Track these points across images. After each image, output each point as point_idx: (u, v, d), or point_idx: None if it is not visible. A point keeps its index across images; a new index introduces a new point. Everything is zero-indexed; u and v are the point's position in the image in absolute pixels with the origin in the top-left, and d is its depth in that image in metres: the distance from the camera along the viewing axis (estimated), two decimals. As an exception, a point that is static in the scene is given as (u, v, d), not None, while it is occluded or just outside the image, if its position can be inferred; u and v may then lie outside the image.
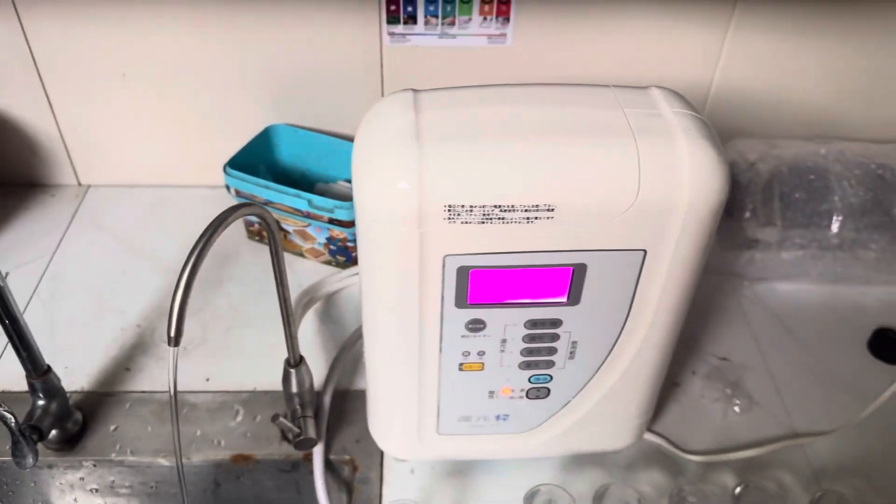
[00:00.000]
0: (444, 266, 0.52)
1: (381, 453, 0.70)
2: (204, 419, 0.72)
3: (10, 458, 0.66)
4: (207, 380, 0.76)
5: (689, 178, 0.49)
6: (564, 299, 0.55)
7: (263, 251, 0.92)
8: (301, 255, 0.91)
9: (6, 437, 0.68)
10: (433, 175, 0.48)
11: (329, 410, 0.73)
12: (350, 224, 0.83)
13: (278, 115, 0.94)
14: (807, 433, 0.73)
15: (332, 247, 0.89)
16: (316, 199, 0.83)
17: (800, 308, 0.86)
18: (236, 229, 0.95)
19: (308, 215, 0.84)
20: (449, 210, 0.49)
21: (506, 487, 0.67)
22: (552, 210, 0.49)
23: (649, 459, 0.71)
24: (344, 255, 0.89)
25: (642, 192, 0.49)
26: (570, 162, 0.49)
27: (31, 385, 0.65)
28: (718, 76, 0.91)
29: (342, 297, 0.88)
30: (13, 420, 0.60)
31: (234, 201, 0.94)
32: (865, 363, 0.81)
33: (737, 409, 0.75)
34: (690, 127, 0.51)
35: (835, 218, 0.84)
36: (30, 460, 0.63)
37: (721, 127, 0.96)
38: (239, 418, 0.72)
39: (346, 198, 0.88)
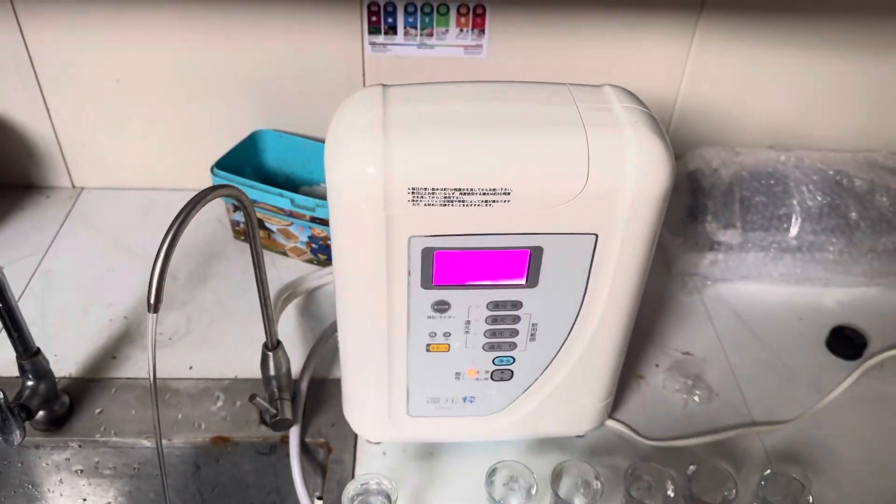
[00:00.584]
0: (409, 247, 0.56)
1: (355, 436, 0.73)
2: (186, 404, 0.75)
3: (-2, 438, 0.69)
4: (190, 368, 0.79)
5: (635, 167, 0.53)
6: (523, 281, 0.59)
7: (248, 251, 0.95)
8: (284, 253, 0.95)
9: (-5, 418, 0.71)
10: (398, 160, 0.52)
11: (305, 396, 0.76)
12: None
13: (264, 120, 0.99)
14: (763, 422, 0.77)
15: (313, 245, 0.92)
16: (298, 198, 0.87)
17: (761, 307, 0.90)
18: (223, 230, 0.98)
19: (291, 214, 0.88)
20: (413, 193, 0.53)
21: (473, 468, 0.70)
22: (508, 193, 0.53)
23: (610, 445, 0.74)
24: (325, 253, 0.93)
25: (591, 178, 0.53)
26: (525, 149, 0.53)
27: (20, 366, 0.69)
28: (684, 87, 0.96)
29: (322, 293, 0.91)
30: (2, 397, 0.63)
31: (221, 203, 0.98)
32: (823, 360, 0.85)
33: (697, 399, 0.78)
34: (638, 120, 0.55)
35: (794, 221, 0.88)
36: (17, 437, 0.65)
37: (687, 135, 1.01)
38: (219, 403, 0.75)
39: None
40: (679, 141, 1.01)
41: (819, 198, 0.89)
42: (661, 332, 0.87)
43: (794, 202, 0.89)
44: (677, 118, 0.99)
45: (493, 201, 0.53)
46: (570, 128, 0.54)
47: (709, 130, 1.00)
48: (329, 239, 0.91)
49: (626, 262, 0.58)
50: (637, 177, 0.53)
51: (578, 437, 0.74)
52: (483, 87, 0.58)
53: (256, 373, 0.78)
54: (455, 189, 0.53)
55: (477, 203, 0.53)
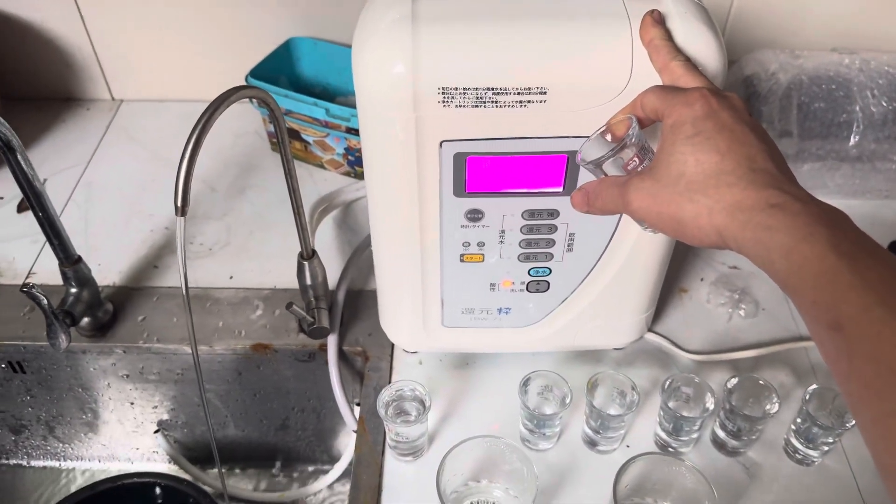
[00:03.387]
0: (440, 152, 0.54)
1: (392, 345, 0.73)
2: (226, 312, 0.76)
3: (47, 343, 0.72)
4: (231, 277, 0.80)
5: (682, 63, 0.50)
6: (560, 189, 0.56)
7: (286, 162, 0.94)
8: (321, 166, 0.94)
9: (43, 325, 0.74)
10: (427, 58, 0.49)
11: (343, 306, 0.76)
12: (367, 133, 0.85)
13: (301, 28, 0.96)
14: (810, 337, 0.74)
15: (350, 157, 0.91)
16: (333, 107, 0.85)
17: (815, 220, 0.86)
18: (261, 142, 0.97)
19: (326, 125, 0.86)
20: (443, 93, 0.50)
21: (508, 379, 0.70)
22: (545, 93, 0.50)
23: (649, 358, 0.73)
24: (362, 165, 0.91)
25: (635, 74, 0.49)
26: (563, 44, 0.50)
27: (63, 274, 0.70)
28: (742, -15, 0.90)
29: (358, 206, 0.90)
30: (46, 301, 0.64)
31: (255, 111, 0.97)
32: (879, 275, 0.81)
33: (742, 313, 0.76)
34: (687, 11, 0.51)
35: (855, 128, 0.83)
36: (62, 342, 0.68)
37: (743, 38, 0.95)
38: (259, 312, 0.76)
39: (365, 108, 0.90)
40: (735, 44, 0.95)
41: (884, 103, 0.83)
42: (707, 245, 0.84)
43: (857, 108, 0.83)
44: (734, 19, 0.93)
45: (529, 101, 0.50)
46: (613, 19, 0.50)
47: (767, 33, 0.94)
48: (366, 150, 0.89)
49: (670, 168, 0.55)
50: (684, 74, 0.50)
51: (616, 349, 0.73)
52: (519, -20, 0.55)
53: (295, 283, 0.78)
54: (488, 89, 0.50)
55: (511, 104, 0.50)
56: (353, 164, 0.91)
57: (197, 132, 0.49)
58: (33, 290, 0.63)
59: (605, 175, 0.48)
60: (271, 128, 0.93)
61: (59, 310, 0.68)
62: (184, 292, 0.52)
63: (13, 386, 0.78)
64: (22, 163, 0.61)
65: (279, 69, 0.94)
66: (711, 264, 0.82)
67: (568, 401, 0.62)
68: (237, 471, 0.88)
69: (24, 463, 0.89)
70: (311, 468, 0.88)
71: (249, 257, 0.82)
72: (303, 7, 0.94)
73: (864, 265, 0.35)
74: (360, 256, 0.81)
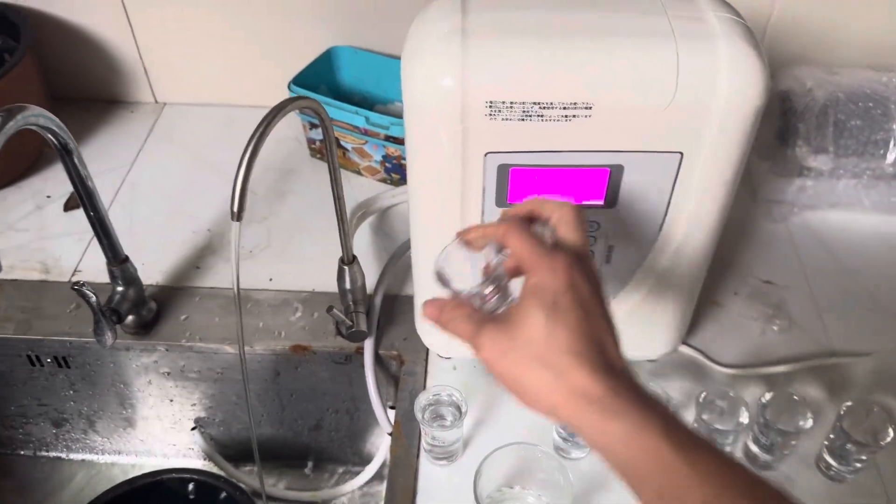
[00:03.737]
0: (485, 163, 0.55)
1: (427, 350, 0.75)
2: (266, 313, 0.78)
3: (93, 339, 0.74)
4: (270, 279, 0.81)
5: (727, 80, 0.50)
6: (601, 202, 0.57)
7: (323, 168, 0.96)
8: (358, 172, 0.96)
9: (89, 322, 0.76)
10: (475, 71, 0.51)
11: (379, 310, 0.77)
12: (404, 141, 0.87)
13: (341, 37, 0.98)
14: (845, 353, 0.74)
15: (387, 164, 0.92)
16: (373, 115, 0.87)
17: (849, 236, 0.86)
18: (300, 147, 0.99)
19: (366, 132, 0.88)
20: (490, 106, 0.51)
21: (542, 387, 0.71)
22: (590, 108, 0.51)
23: (681, 370, 0.73)
24: (398, 172, 0.93)
25: (680, 91, 0.50)
26: (609, 60, 0.51)
27: (111, 272, 0.72)
28: (781, 0, 0.90)
29: (394, 212, 0.92)
30: (94, 299, 0.66)
31: (296, 118, 0.99)
32: (914, 293, 0.81)
33: (776, 328, 0.76)
34: (732, 30, 0.52)
35: (892, 146, 0.83)
36: (109, 339, 0.70)
37: (779, 53, 0.95)
38: (298, 314, 0.78)
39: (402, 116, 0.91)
40: (771, 59, 0.94)
41: (923, 122, 0.83)
42: (741, 259, 0.84)
43: (894, 126, 0.83)
44: (771, 34, 0.93)
45: (574, 116, 0.51)
46: (659, 37, 0.51)
47: (804, 48, 0.94)
48: (403, 158, 0.90)
49: (712, 185, 0.56)
50: (729, 92, 0.51)
51: (650, 360, 0.73)
52: (566, -4, 0.56)
53: (332, 287, 0.80)
54: (534, 103, 0.51)
55: (556, 118, 0.52)
56: (390, 171, 0.93)
57: (254, 140, 0.51)
58: (83, 289, 0.65)
59: (456, 294, 0.47)
60: (311, 134, 0.95)
61: (106, 307, 0.70)
62: (235, 294, 0.53)
63: (57, 380, 0.81)
64: (77, 164, 0.63)
65: (320, 77, 0.96)
66: (745, 279, 0.82)
67: (603, 410, 0.62)
68: (269, 469, 0.90)
69: (64, 455, 0.91)
70: (341, 469, 0.89)
71: (288, 260, 0.84)
72: (344, 17, 0.96)
73: (694, 457, 0.37)
74: (396, 262, 0.83)
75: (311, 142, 0.98)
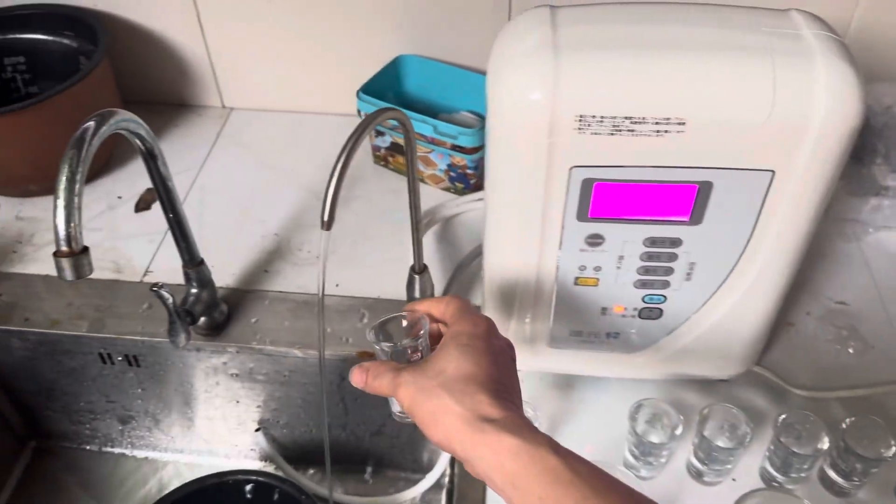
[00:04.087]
0: (569, 177, 0.55)
1: (493, 362, 0.74)
2: (333, 319, 0.78)
3: (165, 340, 0.75)
4: (337, 285, 0.82)
5: (824, 99, 0.49)
6: (686, 218, 0.56)
7: (387, 175, 0.97)
8: (422, 180, 0.96)
9: (160, 322, 0.77)
10: (567, 85, 0.50)
11: (446, 320, 0.77)
12: (472, 151, 0.87)
13: (408, 45, 0.98)
14: (925, 379, 0.72)
15: (452, 173, 0.92)
16: (441, 125, 0.87)
17: (928, 258, 0.84)
18: (363, 154, 1.00)
19: (432, 141, 0.88)
20: (580, 120, 0.51)
21: (609, 403, 0.71)
22: (683, 124, 0.50)
23: (755, 390, 0.72)
24: (463, 182, 0.93)
25: (776, 108, 0.50)
26: (704, 76, 0.50)
27: (186, 274, 0.73)
28: (859, 15, 0.88)
29: (458, 221, 0.92)
30: (171, 301, 0.68)
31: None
32: None
33: (851, 350, 0.75)
34: (829, 48, 0.51)
35: (975, 167, 0.81)
36: (182, 339, 0.71)
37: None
38: (365, 320, 0.78)
39: (470, 126, 0.92)
40: (846, 75, 0.93)
41: None
42: (814, 278, 0.82)
43: (978, 146, 0.81)
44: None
45: (666, 131, 0.51)
46: (755, 53, 0.50)
47: (883, 65, 0.92)
48: (469, 168, 0.90)
49: (802, 204, 0.55)
50: (826, 111, 0.50)
51: (722, 380, 0.72)
52: (658, 9, 0.55)
53: (397, 293, 0.80)
54: (626, 117, 0.51)
55: (648, 133, 0.51)
56: (455, 180, 0.93)
57: (346, 151, 0.51)
58: (161, 290, 0.66)
59: (387, 358, 0.52)
60: (377, 142, 0.96)
61: (180, 308, 0.71)
62: (319, 300, 0.54)
63: (127, 378, 0.82)
64: (161, 169, 0.65)
65: (387, 85, 0.97)
66: (818, 298, 0.80)
67: (678, 432, 0.62)
68: (319, 471, 0.90)
69: (128, 452, 0.93)
70: (400, 475, 0.89)
71: (354, 266, 0.85)
72: (412, 26, 0.96)
73: (574, 464, 0.42)
74: (462, 272, 0.83)
75: (375, 149, 0.98)
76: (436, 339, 0.53)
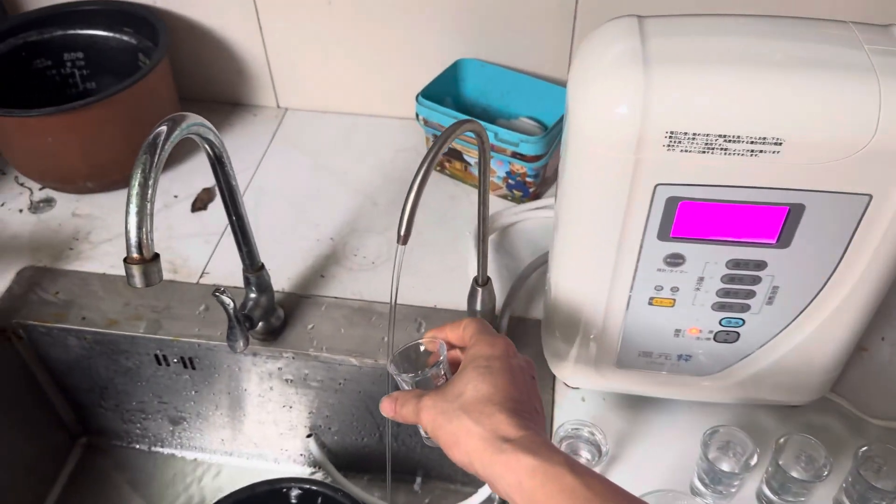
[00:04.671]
0: (653, 195, 0.53)
1: (553, 378, 0.72)
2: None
3: (222, 343, 0.75)
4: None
5: (933, 122, 0.47)
6: (773, 241, 0.54)
7: (443, 181, 0.95)
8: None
9: (217, 325, 0.77)
10: (657, 99, 0.48)
11: (506, 333, 0.76)
12: (533, 159, 0.85)
13: (467, 49, 0.96)
14: None
15: (510, 181, 0.91)
16: (502, 131, 0.85)
17: None
18: (420, 159, 0.98)
19: (492, 148, 0.87)
20: (670, 137, 0.49)
21: (675, 426, 0.68)
22: (780, 144, 0.48)
23: (828, 418, 0.69)
24: (521, 189, 0.91)
25: (880, 132, 0.47)
26: (806, 94, 0.48)
27: (246, 279, 0.72)
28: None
29: (515, 230, 0.90)
30: (232, 305, 0.67)
31: (420, 130, 0.98)
32: None
33: (931, 380, 0.71)
34: (939, 68, 0.48)
35: None
36: (241, 344, 0.70)
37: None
38: (422, 330, 0.76)
39: (530, 133, 0.90)
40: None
41: None
42: (888, 301, 0.78)
43: None
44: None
45: (761, 151, 0.48)
46: (859, 72, 0.48)
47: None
48: (528, 176, 0.88)
49: (898, 230, 0.52)
50: (934, 135, 0.47)
51: (793, 406, 0.69)
52: (752, 22, 0.53)
53: (454, 303, 0.79)
54: (719, 136, 0.48)
55: (741, 152, 0.49)
56: (513, 187, 0.91)
57: (425, 166, 0.50)
58: (223, 296, 0.66)
59: (409, 387, 0.53)
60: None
61: (240, 313, 0.70)
62: (391, 310, 0.53)
63: (181, 380, 0.82)
64: (229, 175, 0.64)
65: (446, 89, 0.95)
66: (892, 323, 0.77)
67: (753, 463, 0.59)
68: (379, 482, 0.89)
69: (177, 452, 0.92)
70: (450, 486, 0.88)
71: (410, 274, 0.83)
72: (472, 30, 0.95)
73: (589, 482, 0.42)
74: (522, 284, 0.81)
75: (432, 153, 0.97)
76: (456, 364, 0.53)
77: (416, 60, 0.98)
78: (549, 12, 0.91)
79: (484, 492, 0.80)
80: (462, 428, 0.46)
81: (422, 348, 0.53)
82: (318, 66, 1.02)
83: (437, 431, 0.48)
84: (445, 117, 0.87)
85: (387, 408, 0.52)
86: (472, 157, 0.91)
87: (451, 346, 0.54)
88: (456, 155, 0.93)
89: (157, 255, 0.51)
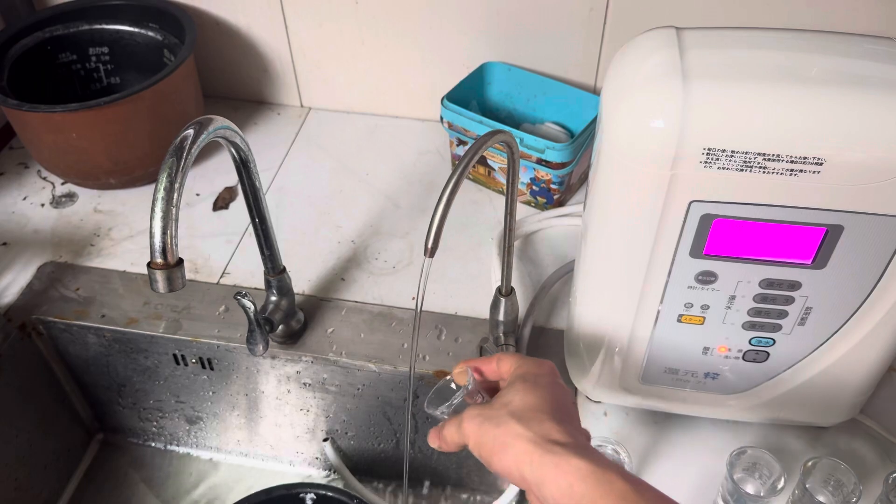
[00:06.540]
0: (687, 212, 0.51)
1: (575, 390, 0.71)
2: (410, 334, 0.76)
3: (241, 345, 0.74)
4: (413, 298, 0.80)
5: (981, 145, 0.45)
6: (809, 262, 0.53)
7: (465, 186, 0.94)
8: (502, 192, 0.93)
9: (237, 326, 0.76)
10: (696, 116, 0.47)
11: (527, 343, 0.75)
12: (559, 166, 0.84)
13: (493, 52, 0.95)
14: None
15: (534, 187, 0.89)
16: (528, 137, 0.84)
17: None
18: (442, 162, 0.98)
19: (518, 153, 0.85)
20: (707, 154, 0.48)
21: (699, 444, 0.67)
22: (821, 164, 0.47)
23: (857, 441, 0.67)
24: (545, 196, 0.90)
25: (926, 153, 0.45)
26: (848, 114, 0.46)
27: (267, 282, 0.72)
28: None
29: (538, 238, 0.89)
30: (253, 309, 0.66)
31: (444, 133, 0.97)
32: None
33: (963, 405, 0.70)
34: None
35: None
36: (261, 348, 0.69)
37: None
38: (443, 337, 0.76)
39: (556, 139, 0.89)
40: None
41: None
42: (921, 322, 0.77)
43: None
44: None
45: (801, 171, 0.47)
46: (906, 92, 0.46)
47: None
48: (553, 183, 0.87)
49: (940, 253, 0.51)
50: (982, 157, 0.45)
51: (820, 427, 0.68)
52: (793, 37, 0.51)
53: (476, 311, 0.78)
54: (759, 154, 0.47)
55: (781, 171, 0.47)
56: (537, 194, 0.90)
57: (455, 178, 0.49)
58: (245, 299, 0.65)
59: (449, 406, 0.53)
60: (458, 150, 0.93)
61: (260, 316, 0.69)
62: (415, 318, 0.52)
63: (199, 381, 0.82)
64: (254, 178, 0.63)
65: (471, 93, 0.94)
66: (925, 344, 0.75)
67: (780, 486, 0.58)
68: (394, 488, 0.88)
69: (193, 452, 0.92)
70: (464, 495, 0.87)
71: (431, 279, 0.81)
72: (499, 33, 0.94)
73: (644, 490, 0.42)
74: (544, 294, 0.80)
75: (455, 157, 0.96)
76: (493, 391, 0.53)
77: (441, 62, 0.97)
78: (579, 16, 0.89)
79: (504, 499, 0.79)
80: (511, 431, 0.46)
81: (452, 385, 0.53)
82: (342, 66, 1.01)
83: (482, 438, 0.47)
84: (470, 121, 0.86)
85: (433, 438, 0.52)
86: (495, 161, 0.90)
87: (484, 382, 0.54)
88: (480, 159, 0.92)
89: (180, 261, 0.50)
